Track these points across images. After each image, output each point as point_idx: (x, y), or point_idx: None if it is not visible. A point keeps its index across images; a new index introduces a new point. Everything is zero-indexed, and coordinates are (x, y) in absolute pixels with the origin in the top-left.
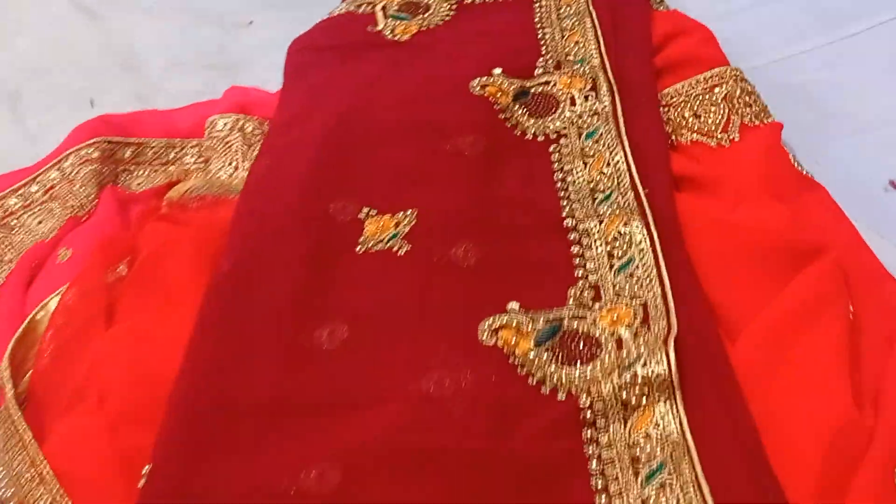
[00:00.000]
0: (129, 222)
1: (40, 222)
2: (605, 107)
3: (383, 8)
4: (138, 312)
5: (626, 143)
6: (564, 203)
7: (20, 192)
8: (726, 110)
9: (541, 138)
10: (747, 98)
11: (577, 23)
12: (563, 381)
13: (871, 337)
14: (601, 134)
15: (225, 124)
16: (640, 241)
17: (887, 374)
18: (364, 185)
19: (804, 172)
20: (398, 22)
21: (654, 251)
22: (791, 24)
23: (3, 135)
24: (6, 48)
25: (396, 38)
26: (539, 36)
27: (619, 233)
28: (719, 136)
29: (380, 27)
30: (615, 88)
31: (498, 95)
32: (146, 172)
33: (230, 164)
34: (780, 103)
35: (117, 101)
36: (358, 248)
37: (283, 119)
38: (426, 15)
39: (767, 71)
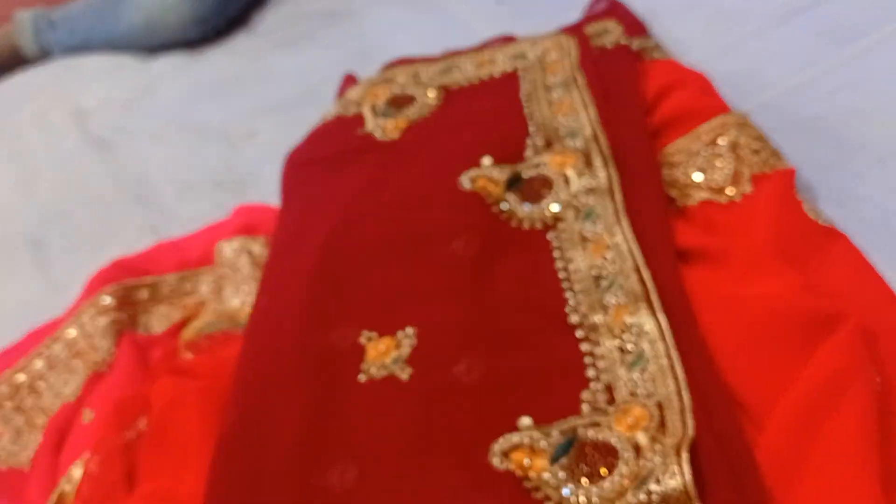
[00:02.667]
0: (148, 371)
1: (66, 382)
2: (601, 182)
3: (371, 108)
4: (155, 474)
5: (625, 222)
6: (569, 296)
7: (44, 353)
8: (733, 161)
9: (538, 226)
10: (754, 144)
11: (564, 92)
12: (581, 503)
13: None
14: (599, 214)
15: (232, 249)
16: (650, 332)
17: None
18: (362, 308)
19: (822, 222)
20: (387, 119)
21: (665, 341)
22: (799, 48)
23: (28, 285)
24: (27, 195)
25: (387, 138)
26: (526, 113)
27: (627, 324)
28: (729, 192)
29: (369, 128)
30: (609, 160)
31: (489, 187)
32: (164, 310)
33: (241, 289)
34: (796, 138)
35: (134, 236)
36: (360, 377)
37: (280, 244)
38: (413, 107)
39: (779, 104)
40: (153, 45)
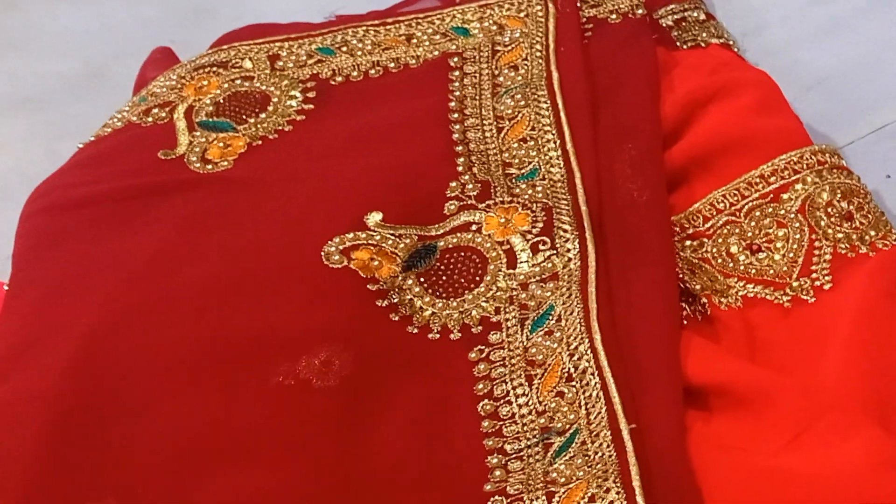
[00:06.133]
0: None
1: None
2: (570, 262)
3: (188, 112)
4: None
5: (599, 338)
6: (494, 461)
7: None
8: (806, 232)
9: (455, 335)
10: (844, 204)
11: (523, 102)
12: None
13: None
14: (558, 317)
15: None
16: None
17: None
18: (132, 480)
19: None
20: (213, 136)
21: None
22: None
23: None
24: None
25: (209, 169)
26: (455, 135)
27: None
28: (796, 285)
29: (180, 150)
30: (588, 224)
31: (374, 265)
32: None
33: None
34: None
35: None
36: None
37: (1, 351)
38: (262, 116)
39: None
40: None
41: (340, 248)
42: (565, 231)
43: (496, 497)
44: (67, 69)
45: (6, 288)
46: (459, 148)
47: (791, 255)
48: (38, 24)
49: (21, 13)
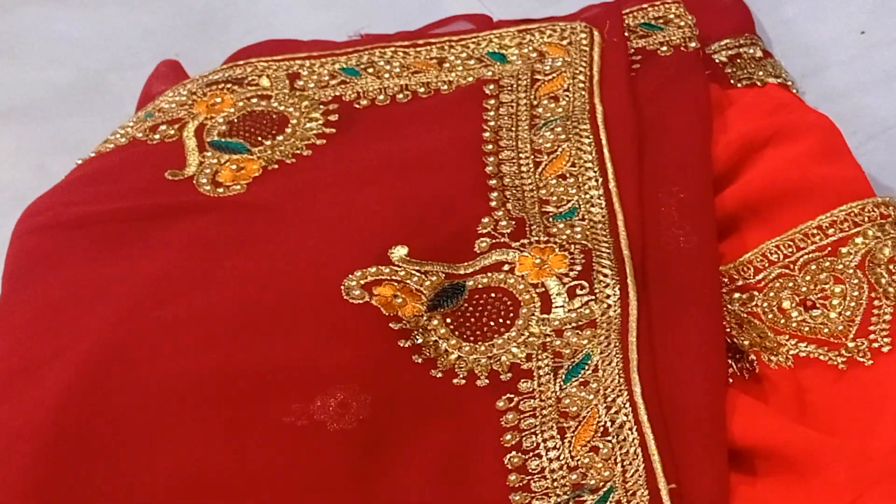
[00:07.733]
0: None
1: None
2: (609, 309)
3: (198, 131)
4: None
5: (639, 390)
6: None
7: None
8: (865, 289)
9: (482, 382)
10: None
11: (564, 136)
12: None
13: None
14: (595, 367)
15: None
16: None
17: None
18: None
19: None
20: (225, 158)
21: None
22: None
23: None
24: None
25: (220, 193)
26: (489, 168)
27: None
28: (852, 346)
29: (189, 171)
30: (630, 270)
31: (397, 302)
32: None
33: None
34: None
35: None
36: None
37: None
38: (279, 138)
39: None
40: None
41: (362, 282)
42: (605, 276)
43: None
44: (61, 79)
45: None
46: (493, 182)
47: (848, 313)
48: (32, 30)
49: (13, 17)
